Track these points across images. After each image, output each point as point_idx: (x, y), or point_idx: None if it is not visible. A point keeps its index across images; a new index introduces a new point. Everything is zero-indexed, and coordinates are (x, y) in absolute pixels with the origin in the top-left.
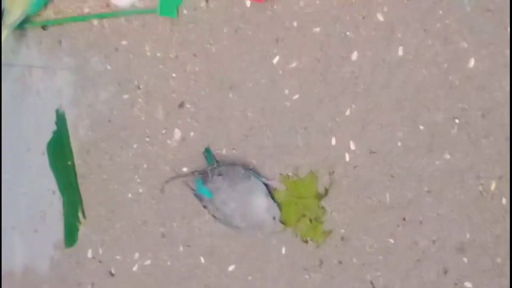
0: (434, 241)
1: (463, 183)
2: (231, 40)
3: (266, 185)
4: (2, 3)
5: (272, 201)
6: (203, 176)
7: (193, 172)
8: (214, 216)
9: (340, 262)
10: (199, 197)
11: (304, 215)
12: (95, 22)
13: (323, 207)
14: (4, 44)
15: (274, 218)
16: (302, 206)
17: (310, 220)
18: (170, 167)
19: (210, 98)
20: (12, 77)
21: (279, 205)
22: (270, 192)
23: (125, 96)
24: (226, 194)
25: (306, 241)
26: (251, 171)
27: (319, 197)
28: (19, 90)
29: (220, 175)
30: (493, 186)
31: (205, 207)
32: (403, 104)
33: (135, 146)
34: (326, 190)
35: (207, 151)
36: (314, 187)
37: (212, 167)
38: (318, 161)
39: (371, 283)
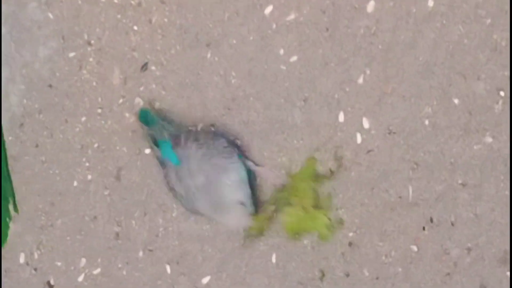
0: (469, 250)
1: (507, 174)
2: None
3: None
4: None
5: (244, 182)
6: (175, 139)
7: (164, 131)
8: (173, 190)
9: (347, 275)
10: (162, 162)
11: (290, 203)
12: None
13: (328, 194)
14: None
15: (242, 203)
16: (289, 191)
17: (305, 209)
18: (129, 148)
19: (182, 58)
20: None
21: (255, 191)
22: (251, 175)
23: (72, 54)
24: (196, 164)
25: (295, 239)
26: (237, 148)
27: (317, 179)
28: None
29: (196, 140)
30: None
31: (165, 176)
32: (433, 70)
33: (83, 119)
34: (331, 172)
35: (143, 113)
36: (310, 170)
37: (188, 132)
38: (321, 143)
39: None
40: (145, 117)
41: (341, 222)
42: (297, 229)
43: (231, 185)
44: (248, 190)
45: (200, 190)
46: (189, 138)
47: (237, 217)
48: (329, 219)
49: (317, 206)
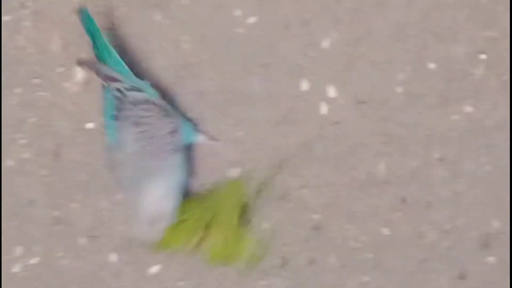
0: (447, 232)
1: (490, 147)
2: None
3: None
4: None
5: (174, 189)
6: (119, 98)
7: (109, 77)
8: (111, 170)
9: (311, 262)
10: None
11: (213, 223)
12: None
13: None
14: None
15: (160, 217)
16: (212, 209)
17: (230, 232)
18: (69, 123)
19: (127, 21)
20: None
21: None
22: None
23: (5, 18)
24: (128, 158)
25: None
26: (189, 121)
27: (244, 202)
28: None
29: (137, 124)
30: None
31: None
32: (406, 32)
33: (18, 91)
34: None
35: (83, 14)
36: (237, 194)
37: (132, 107)
38: (281, 113)
39: None
40: (85, 21)
41: (268, 247)
42: (221, 255)
43: (154, 195)
44: (174, 201)
45: (127, 182)
46: (131, 116)
47: (149, 228)
48: (257, 243)
49: (244, 228)
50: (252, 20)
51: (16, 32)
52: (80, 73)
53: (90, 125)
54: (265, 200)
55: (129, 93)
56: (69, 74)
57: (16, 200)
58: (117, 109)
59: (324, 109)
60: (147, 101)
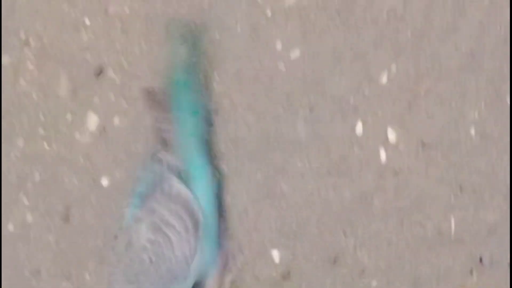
0: None
1: None
2: None
3: None
4: None
5: None
6: (161, 180)
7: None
8: None
9: None
10: None
11: None
12: None
13: None
14: None
15: None
16: None
17: None
18: (80, 179)
19: (149, 59)
20: None
21: None
22: None
23: (6, 58)
24: (130, 253)
25: None
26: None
27: None
28: None
29: (155, 228)
30: None
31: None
32: (479, 63)
33: (20, 143)
34: None
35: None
36: None
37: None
38: (332, 162)
39: None
40: (179, 92)
41: None
42: None
43: None
44: None
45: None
46: (155, 214)
47: None
48: None
49: None
50: (295, 53)
51: (17, 74)
52: (92, 120)
53: (104, 181)
54: (315, 265)
55: (174, 184)
56: (80, 122)
57: (19, 271)
58: (148, 189)
59: (383, 155)
60: (181, 205)
